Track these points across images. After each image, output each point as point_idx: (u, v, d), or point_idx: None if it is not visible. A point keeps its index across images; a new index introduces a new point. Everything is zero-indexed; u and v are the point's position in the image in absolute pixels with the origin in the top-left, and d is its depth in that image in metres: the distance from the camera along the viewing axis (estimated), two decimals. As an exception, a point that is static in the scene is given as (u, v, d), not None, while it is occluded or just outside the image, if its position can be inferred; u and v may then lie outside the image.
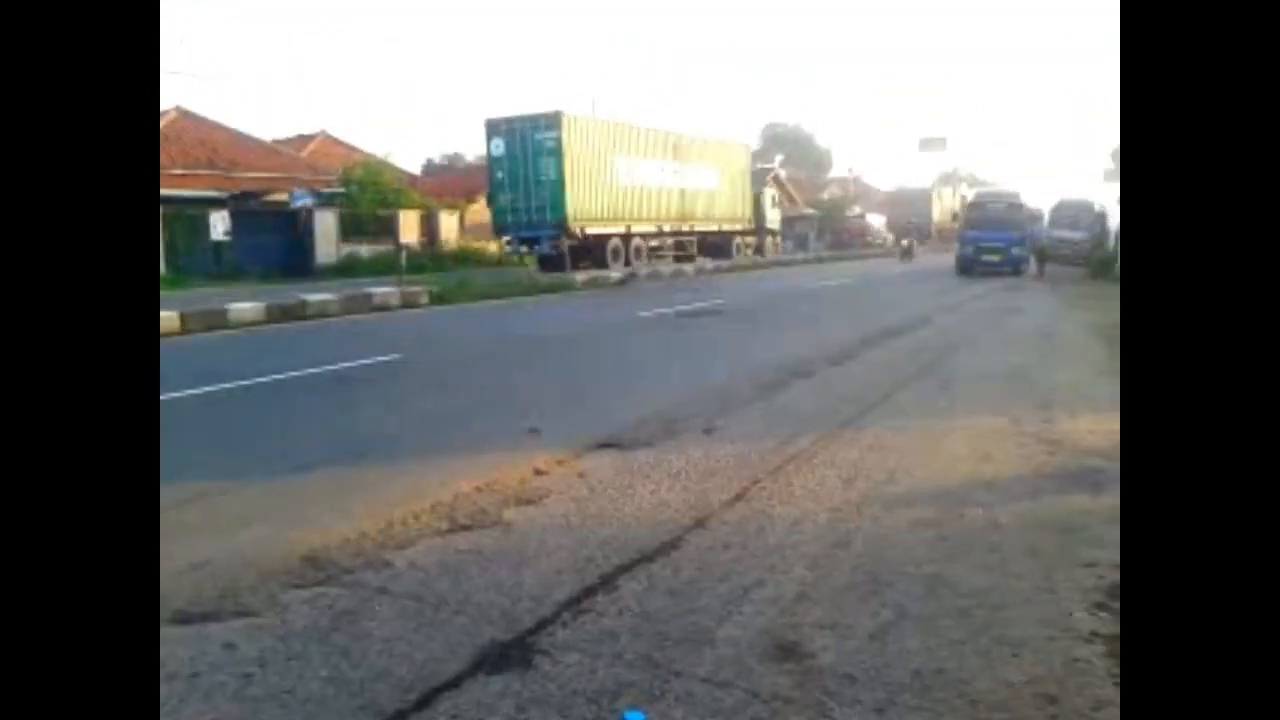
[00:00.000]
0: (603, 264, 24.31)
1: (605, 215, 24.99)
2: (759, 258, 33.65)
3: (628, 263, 25.37)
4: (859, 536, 3.84)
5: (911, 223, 42.98)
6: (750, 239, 33.98)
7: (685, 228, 28.88)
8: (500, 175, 24.36)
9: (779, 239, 38.26)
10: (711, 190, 30.44)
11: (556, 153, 23.29)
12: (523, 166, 23.73)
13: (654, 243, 27.45)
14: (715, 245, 31.01)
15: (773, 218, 36.81)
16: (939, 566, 3.47)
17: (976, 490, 4.50)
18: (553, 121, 23.46)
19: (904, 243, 37.37)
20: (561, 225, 23.51)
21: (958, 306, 15.83)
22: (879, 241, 48.56)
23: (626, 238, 25.88)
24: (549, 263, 23.81)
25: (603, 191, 24.81)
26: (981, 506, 4.22)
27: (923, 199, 54.00)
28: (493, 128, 24.41)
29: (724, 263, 29.17)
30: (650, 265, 25.77)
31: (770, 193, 37.96)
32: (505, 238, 25.66)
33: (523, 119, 23.98)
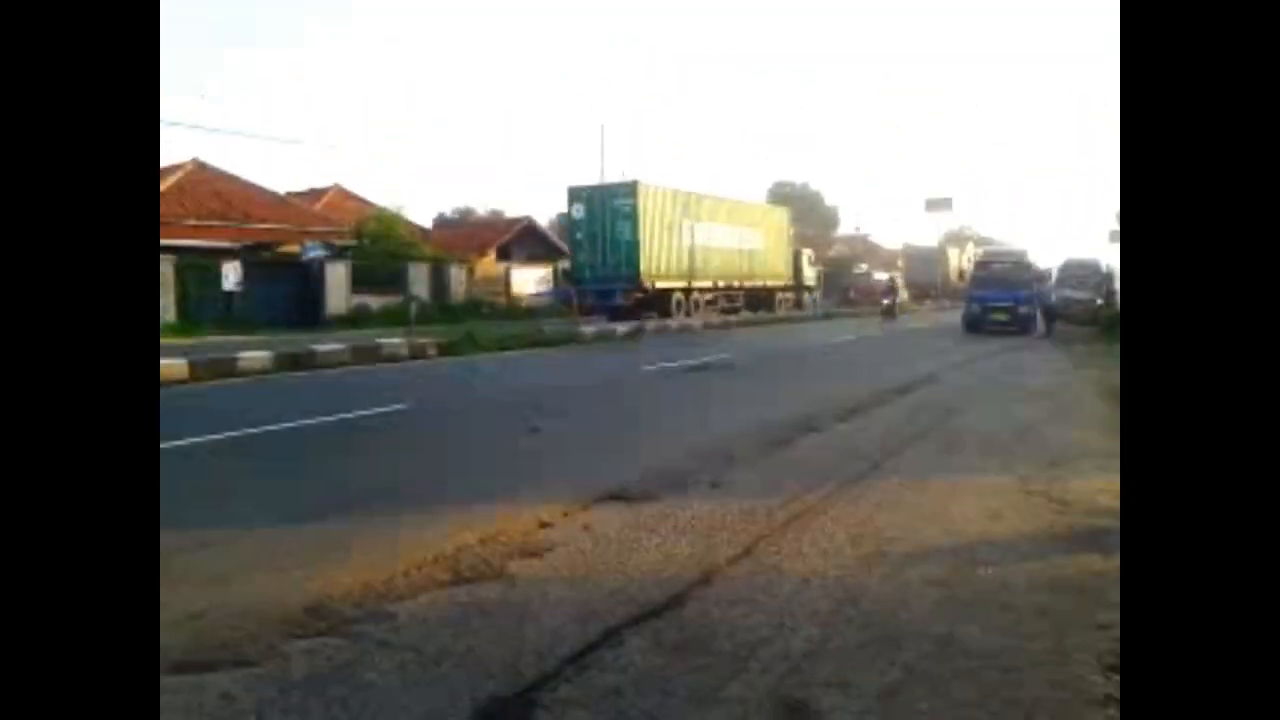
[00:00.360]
0: (666, 314, 27.39)
1: (671, 272, 27.89)
2: (796, 311, 35.70)
3: (688, 314, 28.09)
4: (868, 595, 3.79)
5: (891, 279, 41.05)
6: (790, 294, 36.69)
7: (736, 284, 31.84)
8: (580, 236, 27.62)
9: (815, 294, 40.59)
10: (758, 250, 33.48)
11: (632, 217, 26.25)
12: (601, 228, 26.83)
13: (709, 296, 30.27)
14: (760, 299, 33.68)
15: (809, 275, 39.11)
16: (949, 626, 3.41)
17: (986, 549, 4.45)
18: (630, 190, 26.71)
19: (885, 301, 32.65)
20: (635, 280, 26.28)
21: (964, 364, 15.81)
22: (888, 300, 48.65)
23: (688, 291, 28.79)
24: (617, 314, 26.21)
25: (670, 251, 27.75)
26: (992, 566, 4.16)
27: (937, 257, 54.14)
28: (574, 194, 27.77)
29: (732, 318, 29.89)
30: (704, 317, 28.52)
31: (807, 252, 40.15)
32: (577, 289, 28.24)
33: (602, 187, 28.13)
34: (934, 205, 63.97)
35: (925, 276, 49.47)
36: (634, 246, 26.09)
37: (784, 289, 35.89)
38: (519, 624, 3.43)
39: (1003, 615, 3.55)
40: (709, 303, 30.06)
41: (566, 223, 30.37)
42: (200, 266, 24.35)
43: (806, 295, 38.36)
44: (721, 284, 30.80)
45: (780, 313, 33.73)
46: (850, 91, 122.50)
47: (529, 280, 35.54)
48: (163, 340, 18.49)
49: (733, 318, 29.42)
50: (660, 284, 27.18)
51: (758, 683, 2.91)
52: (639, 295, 26.35)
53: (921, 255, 54.54)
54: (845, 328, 27.71)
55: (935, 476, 6.20)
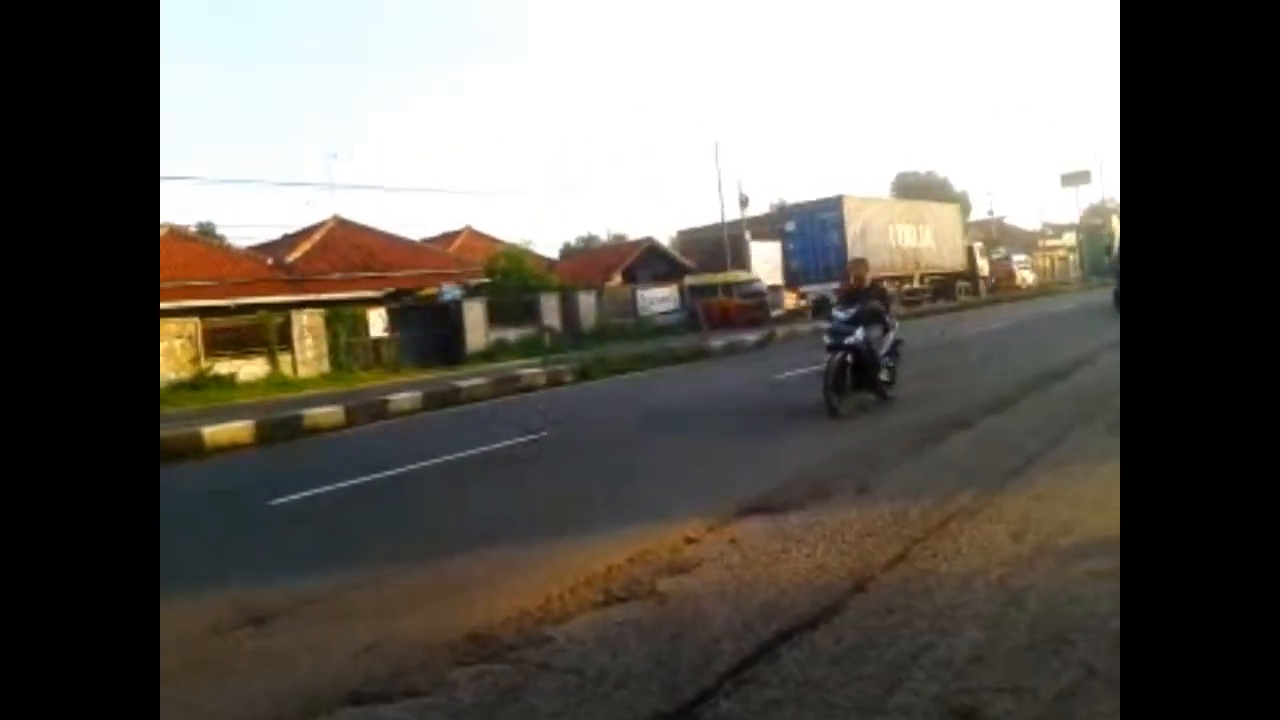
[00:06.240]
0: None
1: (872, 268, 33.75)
2: (970, 298, 39.83)
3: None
4: (1034, 593, 3.61)
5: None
6: (966, 282, 41.59)
7: (918, 274, 37.55)
8: (792, 246, 35.75)
9: (989, 282, 44.95)
10: (932, 246, 38.86)
11: (838, 226, 33.51)
12: (811, 238, 34.53)
13: (904, 286, 35.31)
14: (942, 288, 39.15)
15: (982, 265, 43.80)
16: (1127, 622, 3.21)
17: (1162, 537, 4.16)
18: (835, 204, 34.00)
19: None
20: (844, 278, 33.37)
21: (1118, 344, 14.91)
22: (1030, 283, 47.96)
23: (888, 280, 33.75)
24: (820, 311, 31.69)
25: (870, 251, 31.37)
26: (1170, 555, 3.89)
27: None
28: (784, 214, 37.54)
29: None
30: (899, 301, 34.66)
31: (979, 244, 45.34)
32: (801, 289, 35.68)
33: (811, 204, 35.31)
34: (1070, 180, 60.83)
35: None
36: (840, 250, 32.77)
37: (959, 277, 40.89)
38: (674, 641, 3.44)
39: (1187, 607, 3.31)
40: (903, 291, 36.58)
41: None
42: (349, 315, 25.82)
43: (981, 283, 42.84)
44: (905, 273, 36.67)
45: (961, 299, 39.26)
46: (972, 71, 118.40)
47: (655, 299, 35.88)
48: (317, 390, 19.61)
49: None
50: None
51: (923, 690, 2.82)
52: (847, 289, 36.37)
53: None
54: (988, 316, 26.67)
55: (1098, 465, 5.85)
